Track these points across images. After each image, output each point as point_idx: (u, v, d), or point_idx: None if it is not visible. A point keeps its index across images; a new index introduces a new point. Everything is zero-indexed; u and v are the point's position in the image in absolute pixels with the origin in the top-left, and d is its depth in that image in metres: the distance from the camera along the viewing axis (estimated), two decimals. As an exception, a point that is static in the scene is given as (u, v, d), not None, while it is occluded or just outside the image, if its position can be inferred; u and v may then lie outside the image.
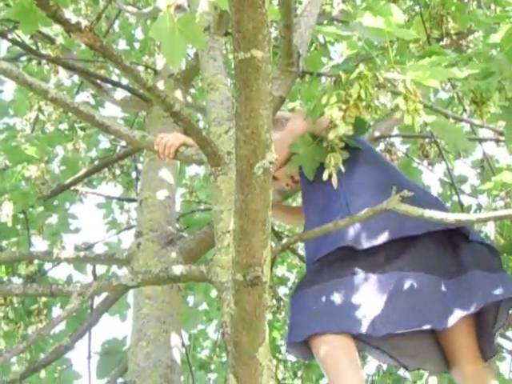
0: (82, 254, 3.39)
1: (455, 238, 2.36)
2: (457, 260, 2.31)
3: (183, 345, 3.53)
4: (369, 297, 2.19)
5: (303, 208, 2.56)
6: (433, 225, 2.26)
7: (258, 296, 1.60)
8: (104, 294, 3.54)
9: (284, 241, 2.30)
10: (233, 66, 1.51)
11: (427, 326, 2.15)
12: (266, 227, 1.55)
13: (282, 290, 5.54)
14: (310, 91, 2.21)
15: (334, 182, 2.34)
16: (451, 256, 2.32)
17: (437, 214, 1.91)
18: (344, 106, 2.15)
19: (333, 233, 2.23)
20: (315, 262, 2.29)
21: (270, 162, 1.49)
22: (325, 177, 2.31)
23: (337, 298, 2.20)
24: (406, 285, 2.23)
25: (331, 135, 2.26)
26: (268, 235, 1.57)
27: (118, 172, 5.82)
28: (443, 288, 2.24)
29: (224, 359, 5.39)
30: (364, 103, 2.16)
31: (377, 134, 3.64)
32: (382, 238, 2.25)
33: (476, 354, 2.28)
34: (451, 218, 1.89)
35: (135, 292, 3.08)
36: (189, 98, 4.39)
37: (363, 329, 2.13)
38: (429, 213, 1.93)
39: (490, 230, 4.09)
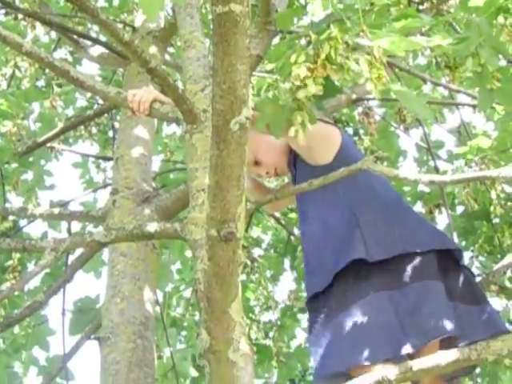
0: (56, 210, 3.38)
1: (447, 261, 2.36)
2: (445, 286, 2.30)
3: (157, 302, 3.55)
4: (397, 313, 2.20)
5: (300, 215, 2.56)
6: (439, 243, 2.31)
7: (232, 252, 1.61)
8: (79, 251, 3.55)
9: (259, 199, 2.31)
10: (211, 26, 1.49)
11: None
12: (240, 183, 1.56)
13: (257, 251, 5.57)
14: (279, 49, 2.19)
15: (301, 140, 2.31)
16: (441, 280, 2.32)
17: (411, 175, 1.93)
18: (312, 66, 2.15)
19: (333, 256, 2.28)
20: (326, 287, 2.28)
21: (247, 118, 1.49)
22: (291, 133, 2.29)
23: (369, 320, 2.18)
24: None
25: (300, 94, 2.25)
26: (242, 191, 1.58)
27: (94, 130, 5.79)
28: None
29: (197, 317, 5.43)
30: (334, 65, 2.16)
31: (354, 96, 3.64)
32: (392, 252, 2.26)
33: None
34: (425, 178, 1.90)
35: (110, 249, 3.08)
36: (167, 57, 4.36)
37: (408, 348, 2.13)
38: (403, 173, 1.94)
39: (463, 195, 4.13)
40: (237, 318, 1.73)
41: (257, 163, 2.61)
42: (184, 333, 5.30)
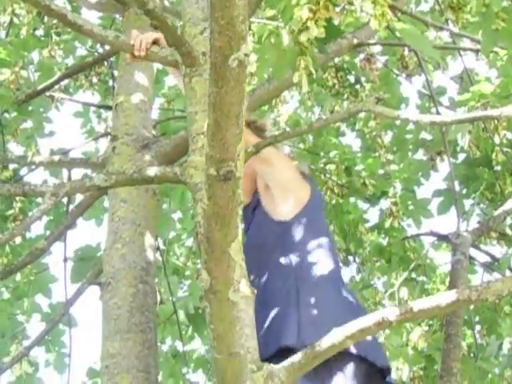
0: (56, 157, 3.37)
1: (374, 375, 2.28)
2: None
3: (158, 249, 3.56)
4: None
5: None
6: (369, 351, 2.23)
7: (232, 191, 1.60)
8: (79, 198, 3.55)
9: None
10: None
11: None
12: (239, 122, 1.54)
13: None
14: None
15: (305, 84, 2.28)
16: None
17: (412, 116, 1.91)
18: (314, 7, 2.12)
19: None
20: None
21: (245, 54, 1.47)
22: (295, 79, 2.26)
23: None
24: None
25: (303, 37, 2.22)
26: (242, 130, 1.56)
27: (94, 80, 5.74)
28: None
29: (199, 266, 5.44)
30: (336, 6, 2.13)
31: (355, 41, 3.59)
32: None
33: None
34: (426, 119, 1.89)
35: (110, 196, 3.07)
36: (167, 3, 4.30)
37: None
38: (404, 114, 1.93)
39: (465, 142, 4.11)
40: (237, 259, 1.73)
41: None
42: (187, 282, 5.32)
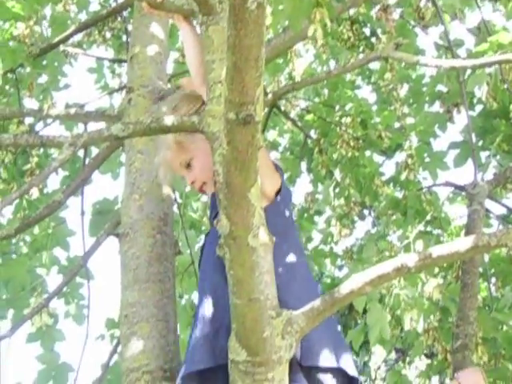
0: (72, 110, 3.37)
1: None
2: None
3: (176, 201, 3.56)
4: None
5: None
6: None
7: (251, 136, 1.60)
8: (96, 152, 3.55)
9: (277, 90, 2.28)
10: None
11: None
12: (259, 64, 1.53)
13: (273, 155, 5.56)
14: None
15: (320, 36, 2.26)
16: None
17: (431, 61, 1.89)
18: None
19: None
20: None
21: (264, -4, 1.45)
22: (310, 32, 2.24)
23: None
24: None
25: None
26: (261, 73, 1.55)
27: (108, 35, 5.72)
28: None
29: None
30: None
31: (372, -10, 3.56)
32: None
33: None
34: (446, 64, 1.87)
35: (127, 148, 3.07)
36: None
37: None
38: (424, 60, 1.91)
39: (482, 94, 4.07)
40: (256, 204, 1.73)
41: (188, 166, 2.50)
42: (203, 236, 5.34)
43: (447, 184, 3.92)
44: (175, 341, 2.62)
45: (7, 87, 4.65)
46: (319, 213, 5.63)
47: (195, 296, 4.94)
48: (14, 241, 4.58)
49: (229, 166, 1.65)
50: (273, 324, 1.93)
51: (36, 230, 4.44)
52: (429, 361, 5.57)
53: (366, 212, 5.16)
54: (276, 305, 1.98)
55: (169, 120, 2.40)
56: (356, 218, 5.23)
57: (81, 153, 3.96)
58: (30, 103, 4.83)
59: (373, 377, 9.62)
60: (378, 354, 9.40)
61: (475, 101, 4.70)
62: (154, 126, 2.39)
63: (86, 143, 2.44)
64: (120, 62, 5.49)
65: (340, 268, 6.05)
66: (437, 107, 4.85)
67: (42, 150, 4.67)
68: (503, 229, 1.93)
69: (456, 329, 2.81)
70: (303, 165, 5.41)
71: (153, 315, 2.59)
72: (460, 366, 2.67)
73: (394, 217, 4.92)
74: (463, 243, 1.93)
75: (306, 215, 5.53)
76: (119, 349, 3.21)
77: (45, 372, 3.97)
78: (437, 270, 4.51)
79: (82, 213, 3.63)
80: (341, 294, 1.97)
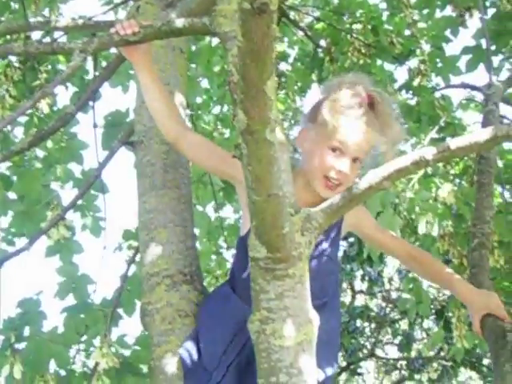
0: (80, 21, 3.31)
1: None
2: None
3: (188, 106, 3.54)
4: None
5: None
6: None
7: (266, 26, 1.56)
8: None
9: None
10: None
11: None
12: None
13: (283, 66, 5.51)
14: None
15: None
16: None
17: None
18: None
19: None
20: None
21: None
22: None
23: None
24: None
25: None
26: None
27: None
28: None
29: (226, 135, 5.45)
30: None
31: None
32: None
33: None
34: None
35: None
36: None
37: None
38: None
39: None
40: (273, 98, 1.71)
41: (356, 161, 2.21)
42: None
43: (462, 85, 3.87)
44: (193, 246, 2.64)
45: (12, 3, 4.60)
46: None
47: (210, 211, 4.96)
48: (27, 157, 4.58)
49: (244, 58, 1.63)
50: (292, 220, 1.94)
51: (49, 144, 4.44)
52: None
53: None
54: (294, 202, 1.98)
55: (180, 22, 2.37)
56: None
57: (90, 67, 3.92)
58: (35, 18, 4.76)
59: (387, 287, 9.75)
60: (392, 265, 9.52)
61: (488, 4, 4.60)
62: (164, 29, 2.37)
63: (96, 49, 2.42)
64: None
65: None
66: (449, 11, 4.76)
67: (50, 66, 4.64)
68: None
69: (473, 228, 2.81)
70: (314, 77, 5.35)
71: (170, 221, 2.60)
72: (477, 264, 2.68)
73: (407, 125, 4.88)
74: (482, 134, 1.92)
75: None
76: (137, 258, 3.25)
77: (65, 284, 4.03)
78: (452, 175, 4.51)
79: (95, 125, 3.62)
80: (359, 189, 1.97)
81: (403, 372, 10.52)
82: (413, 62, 4.71)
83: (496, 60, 4.65)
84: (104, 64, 4.44)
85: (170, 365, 2.36)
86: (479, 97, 4.02)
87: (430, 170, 4.13)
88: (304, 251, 1.96)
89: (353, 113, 2.15)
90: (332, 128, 2.15)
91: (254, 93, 1.67)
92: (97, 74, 3.75)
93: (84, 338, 3.68)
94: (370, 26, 4.67)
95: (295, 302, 1.95)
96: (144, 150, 2.75)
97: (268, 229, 1.90)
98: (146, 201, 2.66)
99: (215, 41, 4.99)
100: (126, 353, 3.67)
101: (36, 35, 4.50)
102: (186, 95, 3.01)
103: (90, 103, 3.73)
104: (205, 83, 5.37)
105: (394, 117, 2.22)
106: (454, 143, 1.92)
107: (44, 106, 4.01)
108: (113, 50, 3.58)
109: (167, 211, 2.62)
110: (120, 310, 3.82)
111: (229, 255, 5.18)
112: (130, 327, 3.96)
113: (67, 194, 4.55)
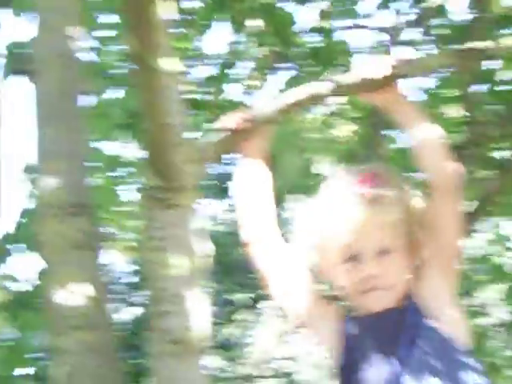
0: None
1: None
2: None
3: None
4: None
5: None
6: None
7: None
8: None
9: None
10: None
11: None
12: None
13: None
14: None
15: None
16: None
17: None
18: None
19: None
20: None
21: None
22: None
23: None
24: None
25: None
26: None
27: None
28: None
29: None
30: None
31: None
32: None
33: None
34: None
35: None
36: None
37: None
38: None
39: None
40: (160, 25, 1.70)
41: (383, 254, 1.76)
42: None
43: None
44: (86, 178, 2.60)
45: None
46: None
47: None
48: None
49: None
50: (182, 151, 1.94)
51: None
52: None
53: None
54: (185, 135, 1.98)
55: None
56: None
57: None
58: None
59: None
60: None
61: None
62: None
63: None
64: None
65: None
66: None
67: None
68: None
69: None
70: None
71: (64, 152, 2.56)
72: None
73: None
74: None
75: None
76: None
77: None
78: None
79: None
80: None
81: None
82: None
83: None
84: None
85: (60, 297, 2.34)
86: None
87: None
88: (194, 181, 1.97)
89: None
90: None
91: (139, 18, 1.66)
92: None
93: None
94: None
95: (182, 232, 1.97)
96: (40, 80, 2.69)
97: (159, 157, 1.91)
98: (43, 132, 2.61)
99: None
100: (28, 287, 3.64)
101: None
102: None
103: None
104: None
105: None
106: (345, 78, 1.93)
107: None
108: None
109: (62, 142, 2.57)
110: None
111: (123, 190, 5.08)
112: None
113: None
